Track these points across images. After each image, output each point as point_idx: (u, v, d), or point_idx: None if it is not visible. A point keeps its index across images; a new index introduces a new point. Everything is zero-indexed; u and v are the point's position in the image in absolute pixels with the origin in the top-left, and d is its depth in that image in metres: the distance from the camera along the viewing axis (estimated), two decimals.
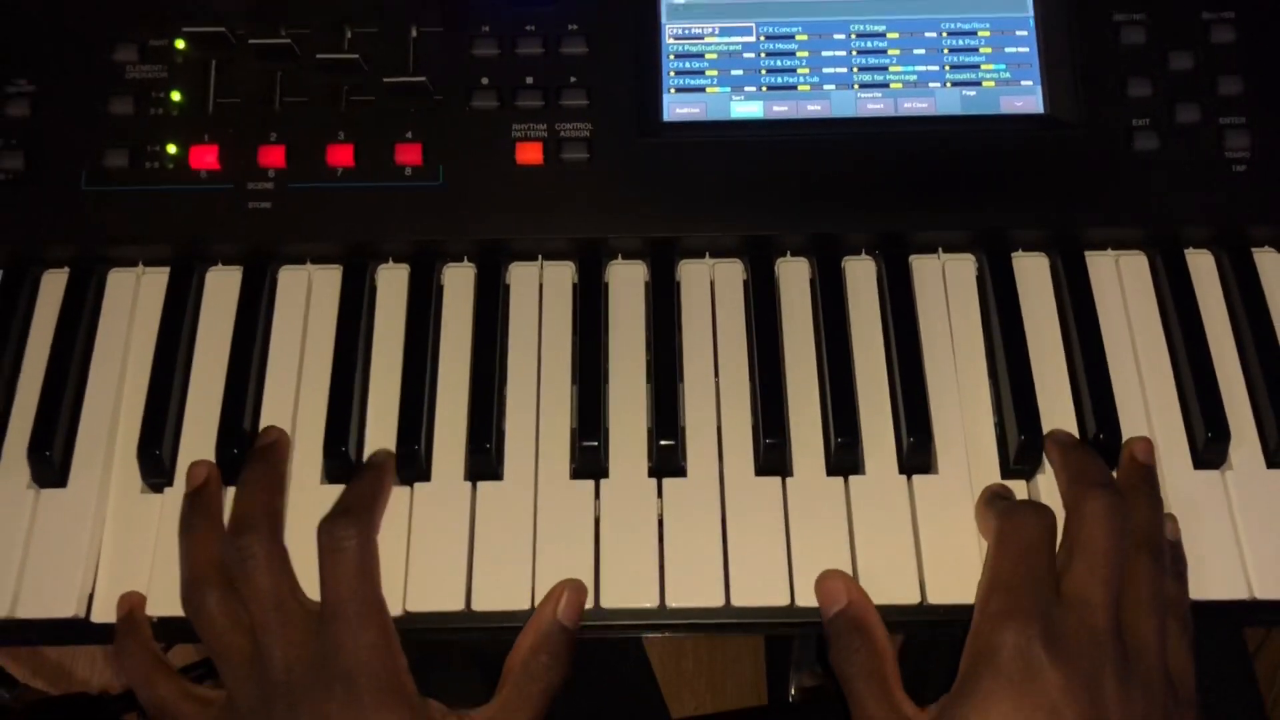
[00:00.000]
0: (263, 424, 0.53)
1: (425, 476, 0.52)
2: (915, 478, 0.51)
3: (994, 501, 0.49)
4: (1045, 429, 0.52)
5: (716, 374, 0.54)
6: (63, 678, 1.22)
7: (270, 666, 0.45)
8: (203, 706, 0.48)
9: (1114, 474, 0.51)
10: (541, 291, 0.56)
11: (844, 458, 0.51)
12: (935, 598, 0.49)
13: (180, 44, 0.58)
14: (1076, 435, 0.52)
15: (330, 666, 0.44)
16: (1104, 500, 0.46)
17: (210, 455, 0.52)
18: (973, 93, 0.57)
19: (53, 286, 0.56)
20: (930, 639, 0.64)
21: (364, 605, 0.46)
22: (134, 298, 0.56)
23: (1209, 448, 0.51)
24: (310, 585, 0.48)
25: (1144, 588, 0.46)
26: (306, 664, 0.45)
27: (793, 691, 0.93)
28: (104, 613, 0.50)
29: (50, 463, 0.52)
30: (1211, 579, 0.49)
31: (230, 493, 0.51)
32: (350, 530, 0.47)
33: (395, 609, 0.49)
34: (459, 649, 0.61)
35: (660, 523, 0.51)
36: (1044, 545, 0.46)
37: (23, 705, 1.08)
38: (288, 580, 0.47)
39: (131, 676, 0.48)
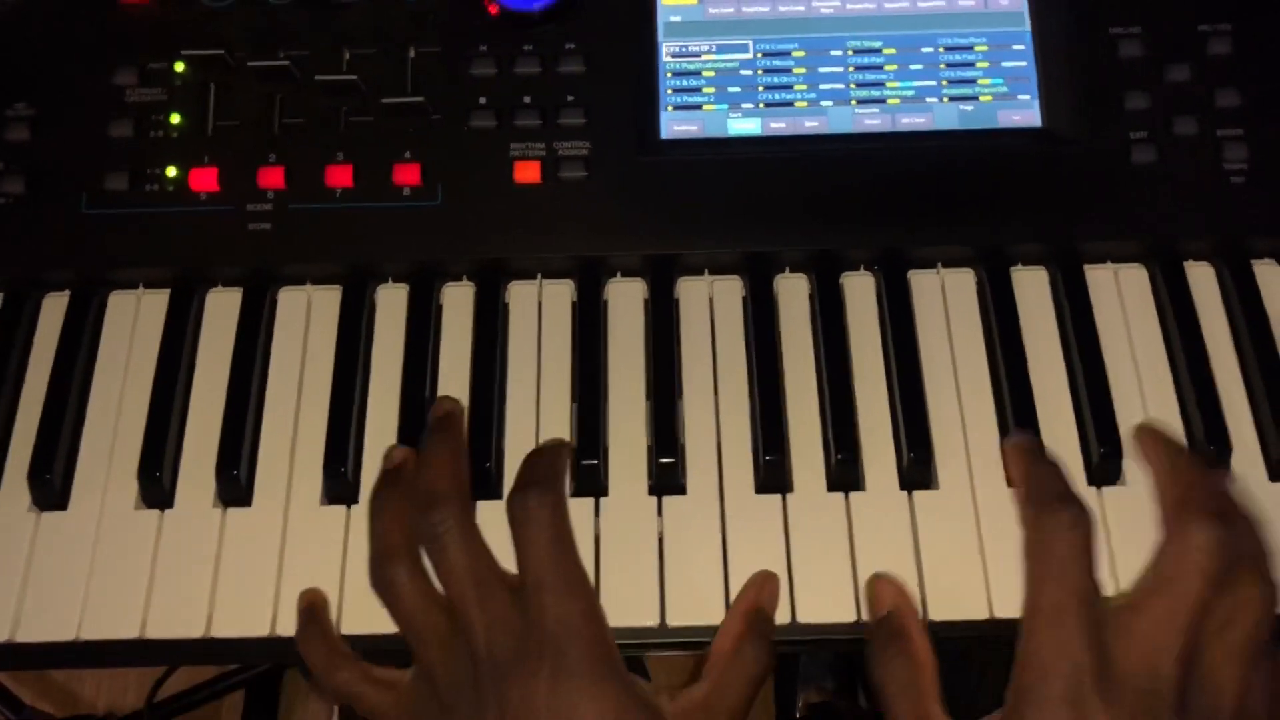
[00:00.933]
0: (262, 446, 0.53)
1: None
2: (916, 493, 0.51)
3: (1027, 486, 0.47)
4: (1046, 443, 0.51)
5: (716, 391, 0.54)
6: (69, 700, 1.22)
7: (473, 643, 0.44)
8: (387, 689, 0.47)
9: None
10: (540, 310, 0.56)
11: (844, 474, 0.51)
12: (937, 614, 0.49)
13: (180, 67, 0.58)
14: (1079, 450, 0.52)
15: (538, 639, 0.43)
16: (1211, 535, 0.42)
17: (210, 478, 0.52)
18: (970, 107, 0.57)
19: (53, 309, 0.56)
20: (960, 655, 0.62)
21: (566, 574, 0.45)
22: (134, 320, 0.56)
23: (1211, 461, 0.51)
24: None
25: (1245, 629, 0.42)
26: (512, 637, 0.44)
27: (800, 708, 0.92)
28: (93, 632, 0.49)
29: (51, 486, 0.52)
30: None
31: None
32: (545, 499, 0.45)
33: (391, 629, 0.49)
34: None
35: (661, 540, 0.51)
36: (1083, 562, 0.43)
37: None
38: (484, 553, 0.46)
39: (314, 665, 0.47)
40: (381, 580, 0.47)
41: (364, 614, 0.49)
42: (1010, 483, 0.51)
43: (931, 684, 0.45)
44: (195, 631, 0.49)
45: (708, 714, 0.46)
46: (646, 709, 0.44)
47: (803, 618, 0.49)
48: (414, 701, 0.46)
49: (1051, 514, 0.44)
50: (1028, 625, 0.43)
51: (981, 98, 0.57)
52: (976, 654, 0.61)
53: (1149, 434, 0.49)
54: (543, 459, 0.49)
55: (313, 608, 0.49)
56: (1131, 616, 0.43)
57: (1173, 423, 0.52)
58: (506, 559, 0.46)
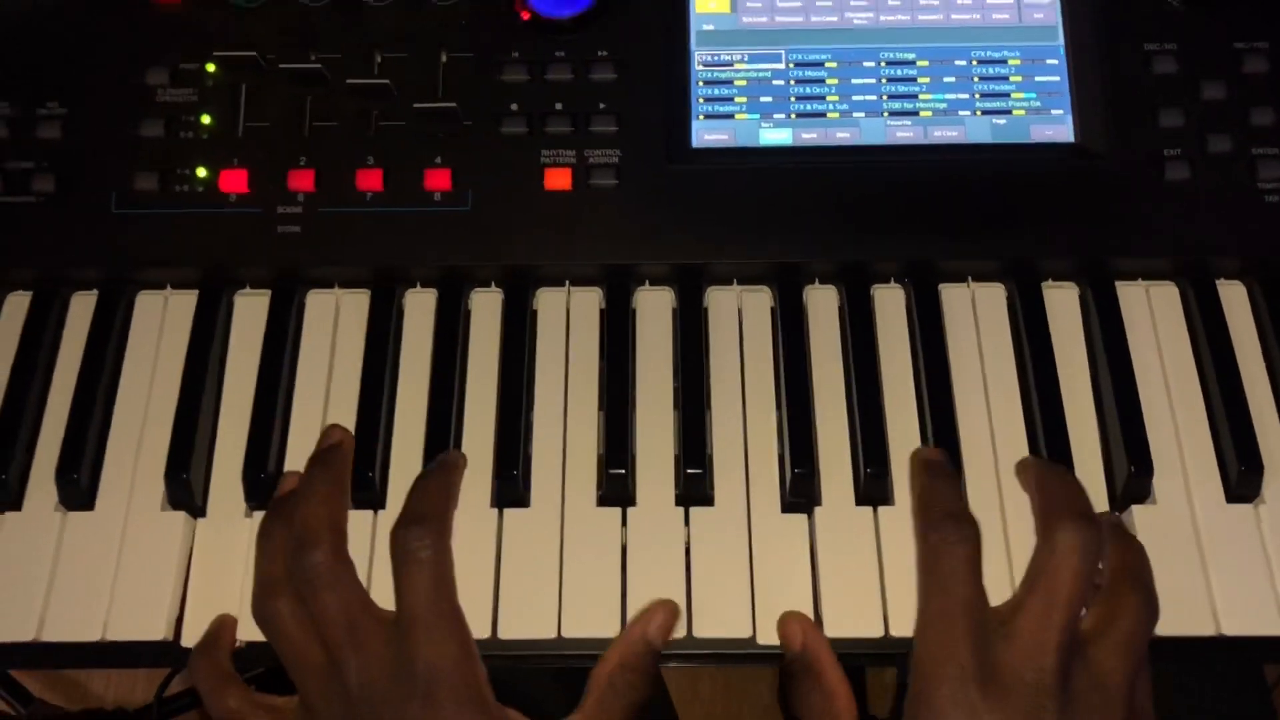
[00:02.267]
0: (290, 449, 0.53)
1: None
2: None
3: (919, 500, 0.49)
4: (1075, 459, 0.51)
5: (744, 402, 0.54)
6: (78, 693, 1.22)
7: (346, 683, 0.44)
8: (273, 716, 0.47)
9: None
10: (569, 317, 0.56)
11: (873, 488, 0.51)
12: None
13: (211, 68, 0.58)
14: (1114, 470, 0.52)
15: (409, 678, 0.44)
16: (1078, 535, 0.45)
17: (237, 479, 0.52)
18: (1003, 121, 0.57)
19: (82, 308, 0.56)
20: None
21: (442, 616, 0.45)
22: (162, 320, 0.56)
23: (1242, 481, 0.51)
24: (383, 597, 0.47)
25: (1129, 630, 0.44)
26: (384, 676, 0.44)
27: None
28: (119, 633, 0.49)
29: (77, 486, 0.52)
30: (1241, 613, 0.49)
31: None
32: (425, 539, 0.45)
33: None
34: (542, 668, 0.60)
35: (688, 551, 0.51)
36: (970, 576, 0.45)
37: None
38: (356, 595, 0.46)
39: (202, 689, 0.48)
40: (262, 613, 0.47)
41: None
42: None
43: (847, 711, 0.46)
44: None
45: None
46: None
47: (830, 632, 0.49)
48: None
49: (939, 530, 0.46)
50: (918, 635, 0.45)
51: (1014, 112, 0.57)
52: None
53: (1023, 464, 0.51)
54: (429, 488, 0.49)
55: (217, 632, 0.49)
56: (1012, 618, 0.44)
57: (1203, 442, 0.52)
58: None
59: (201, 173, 0.56)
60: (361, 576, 0.49)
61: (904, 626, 0.48)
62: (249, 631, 0.49)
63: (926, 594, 0.46)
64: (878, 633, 0.49)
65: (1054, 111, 0.57)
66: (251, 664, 0.49)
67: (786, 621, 0.48)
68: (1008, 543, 0.50)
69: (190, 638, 0.49)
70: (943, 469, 0.50)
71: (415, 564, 0.45)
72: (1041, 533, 0.46)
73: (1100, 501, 0.51)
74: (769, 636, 0.49)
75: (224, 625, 0.49)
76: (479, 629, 0.49)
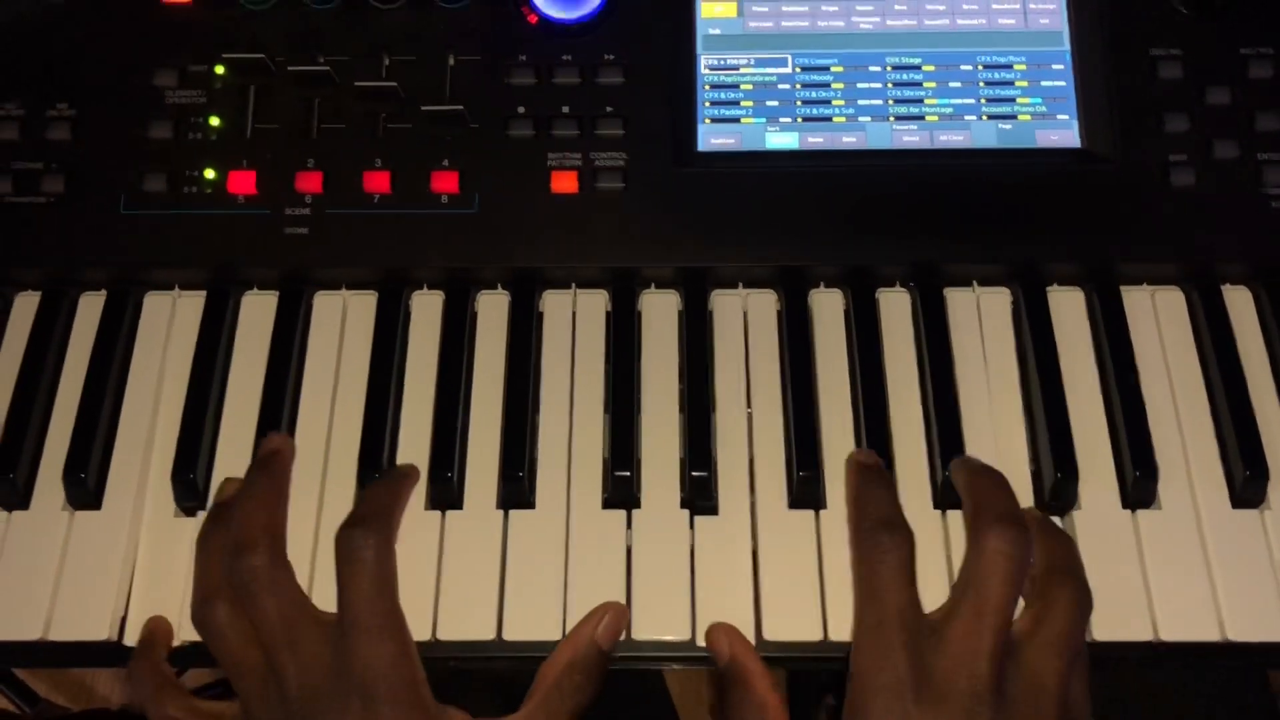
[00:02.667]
0: (298, 450, 0.53)
1: (457, 504, 0.52)
2: (950, 512, 0.51)
3: (854, 509, 0.49)
4: (1080, 465, 0.51)
5: (749, 405, 0.54)
6: (83, 694, 1.22)
7: (285, 685, 0.45)
8: None
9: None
10: (575, 320, 0.56)
11: None
12: None
13: (220, 70, 0.58)
14: (1113, 472, 0.52)
15: (347, 679, 0.44)
16: (1004, 538, 0.45)
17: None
18: (1008, 126, 0.57)
19: (90, 309, 0.57)
20: None
21: (381, 617, 0.45)
22: (170, 321, 0.56)
23: (1247, 486, 0.51)
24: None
25: (1060, 628, 0.45)
26: (322, 678, 0.45)
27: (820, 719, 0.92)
28: (137, 636, 0.50)
29: (85, 485, 0.52)
30: (1246, 619, 0.49)
31: None
32: (367, 540, 0.46)
33: (425, 636, 0.49)
34: (480, 676, 0.61)
35: (692, 554, 0.51)
36: (903, 583, 0.45)
37: None
38: (293, 598, 0.47)
39: (140, 696, 0.48)
40: (201, 619, 0.47)
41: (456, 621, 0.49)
42: (1043, 503, 0.51)
43: (776, 715, 0.47)
44: None
45: None
46: None
47: (835, 636, 0.49)
48: None
49: (872, 537, 0.46)
50: (854, 644, 0.46)
51: (1020, 117, 0.57)
52: None
53: (959, 463, 0.51)
54: (379, 490, 0.50)
55: (150, 636, 0.49)
56: (944, 625, 0.45)
57: (1208, 447, 0.52)
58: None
59: (210, 174, 0.56)
60: None
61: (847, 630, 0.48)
62: (191, 633, 0.49)
63: (861, 603, 0.46)
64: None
65: (1059, 116, 0.57)
66: (195, 665, 0.50)
67: (714, 632, 0.49)
68: None
69: (187, 637, 0.50)
70: (876, 473, 0.50)
71: (358, 564, 0.46)
72: (970, 538, 0.47)
73: (1109, 505, 0.51)
74: (776, 634, 0.49)
75: (159, 628, 0.49)
76: (484, 630, 0.49)
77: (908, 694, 0.43)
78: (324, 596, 0.48)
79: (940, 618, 0.45)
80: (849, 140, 0.57)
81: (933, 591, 0.49)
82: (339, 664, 0.45)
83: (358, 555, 0.46)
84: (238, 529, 0.47)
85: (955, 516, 0.51)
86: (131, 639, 0.50)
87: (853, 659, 0.45)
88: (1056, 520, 0.51)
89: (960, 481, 0.50)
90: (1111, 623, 0.48)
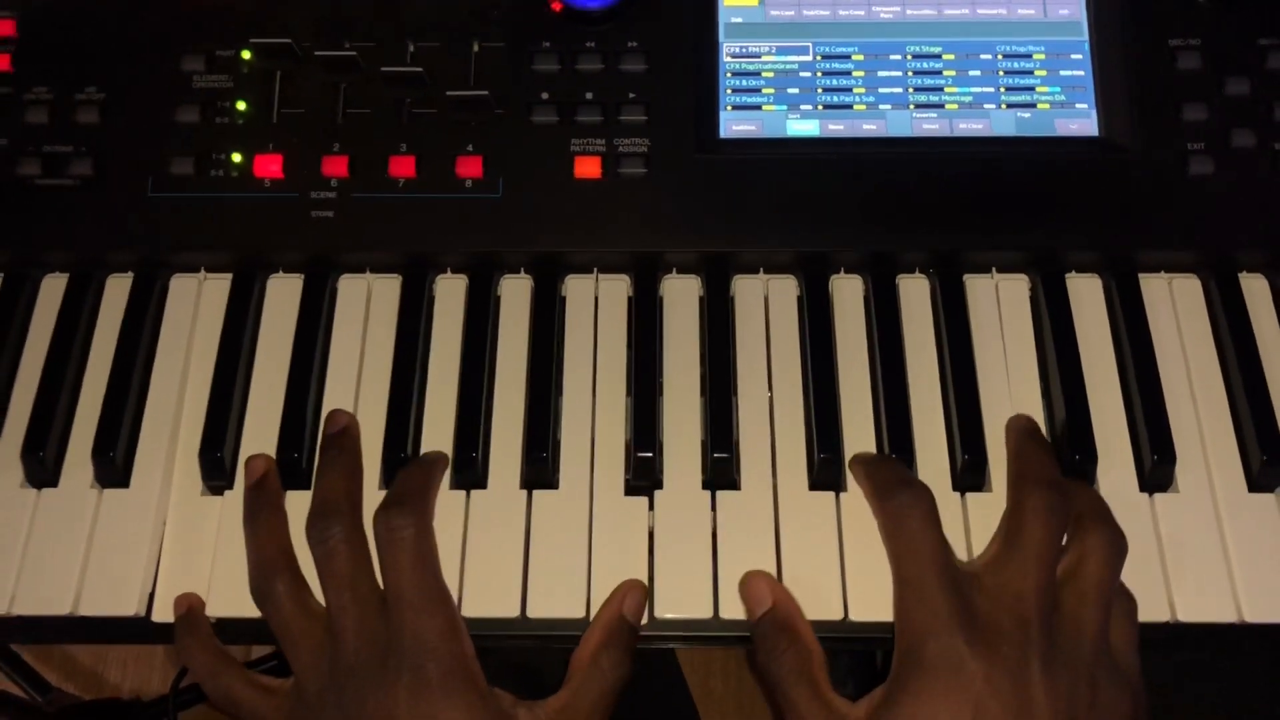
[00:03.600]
0: (322, 433, 0.53)
1: (481, 484, 0.52)
2: (969, 495, 0.51)
3: (869, 483, 0.50)
4: (1099, 450, 0.52)
5: (770, 388, 0.54)
6: (95, 683, 1.22)
7: (341, 650, 0.46)
8: (268, 694, 0.48)
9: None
10: (597, 304, 0.57)
11: None
12: None
13: (246, 54, 0.59)
14: (1131, 456, 0.52)
15: (397, 652, 0.45)
16: (1046, 498, 0.47)
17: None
18: (1027, 115, 0.58)
19: (117, 291, 0.57)
20: None
21: (426, 591, 0.46)
22: (196, 303, 0.57)
23: (1264, 471, 0.51)
24: None
25: (1093, 573, 0.46)
26: (378, 648, 0.45)
27: None
28: (164, 612, 0.50)
29: (113, 464, 0.52)
30: (1264, 601, 0.49)
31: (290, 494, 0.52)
32: (407, 519, 0.47)
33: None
34: (496, 659, 0.62)
35: (714, 535, 0.51)
36: (931, 532, 0.46)
37: (55, 710, 1.08)
38: (366, 566, 0.48)
39: (196, 670, 0.49)
40: (261, 591, 0.48)
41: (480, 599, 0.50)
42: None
43: (821, 669, 0.47)
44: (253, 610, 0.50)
45: None
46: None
47: (855, 616, 0.49)
48: (290, 708, 0.47)
49: (893, 497, 0.48)
50: (896, 601, 0.47)
51: (1039, 105, 0.58)
52: None
53: (1012, 424, 0.52)
54: (412, 473, 0.50)
55: (191, 612, 0.50)
56: (989, 573, 0.46)
57: (1225, 431, 0.53)
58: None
59: (236, 158, 0.57)
60: None
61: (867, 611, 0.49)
62: (217, 608, 0.50)
63: (897, 560, 0.47)
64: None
65: (1079, 106, 0.58)
66: (225, 641, 0.50)
67: (752, 581, 0.49)
68: None
69: (213, 612, 0.50)
70: (880, 455, 0.52)
71: (399, 543, 0.47)
72: (1011, 497, 0.48)
73: (1127, 489, 0.52)
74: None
75: (197, 604, 0.50)
76: (508, 608, 0.50)
77: (958, 634, 0.43)
78: None
79: (981, 564, 0.47)
80: (869, 128, 0.58)
81: None
82: (389, 638, 0.45)
83: (398, 534, 0.47)
84: (322, 496, 0.49)
85: (974, 500, 0.51)
86: (161, 615, 0.50)
87: (897, 617, 0.46)
88: None
89: (1009, 443, 0.51)
90: None
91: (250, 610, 0.49)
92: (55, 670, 1.18)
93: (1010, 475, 0.50)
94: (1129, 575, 0.49)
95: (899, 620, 0.46)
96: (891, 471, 0.50)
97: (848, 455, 0.52)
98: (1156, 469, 0.51)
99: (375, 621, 0.46)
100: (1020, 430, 0.51)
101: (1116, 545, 0.47)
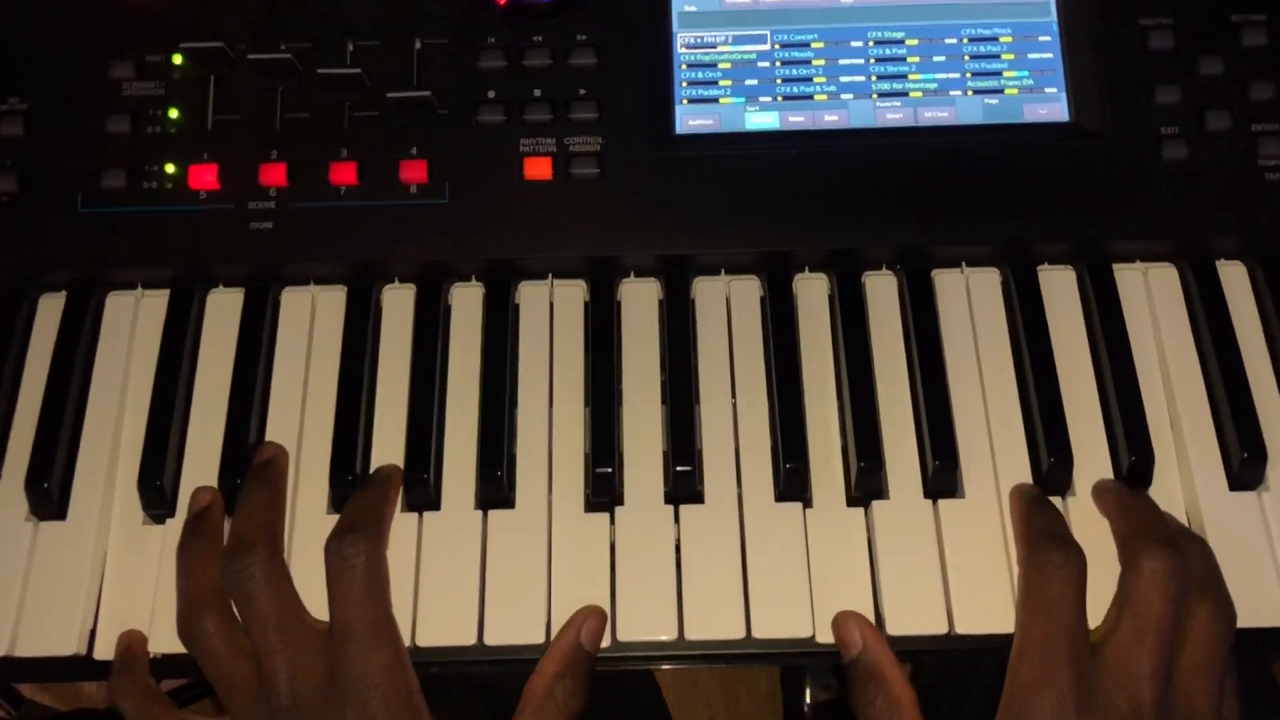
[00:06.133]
0: None
1: (435, 505, 0.50)
2: (941, 502, 0.50)
3: (1025, 526, 0.48)
4: (1075, 449, 0.50)
5: (734, 394, 0.52)
6: (69, 694, 1.21)
7: (276, 691, 0.44)
8: None
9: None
10: (552, 311, 0.54)
11: (867, 482, 0.50)
12: (963, 627, 0.47)
13: (178, 60, 0.56)
14: (1108, 456, 0.50)
15: (341, 688, 0.43)
16: (1165, 561, 0.44)
17: (213, 484, 0.50)
18: (995, 101, 0.56)
19: (50, 311, 0.55)
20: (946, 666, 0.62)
21: (374, 625, 0.45)
22: (133, 321, 0.55)
23: (1245, 468, 0.50)
24: (319, 610, 0.47)
25: (1207, 644, 0.44)
26: (314, 686, 0.44)
27: (807, 708, 0.91)
28: (106, 649, 0.49)
29: (48, 494, 0.50)
30: (1247, 605, 0.47)
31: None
32: (359, 548, 0.45)
33: (404, 642, 0.47)
34: (459, 680, 0.60)
35: (678, 549, 0.49)
36: (1073, 600, 0.44)
37: None
38: (290, 601, 0.46)
39: (126, 710, 0.47)
40: (188, 630, 0.46)
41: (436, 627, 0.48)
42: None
43: (910, 715, 0.45)
44: None
45: None
46: None
47: (822, 634, 0.47)
48: None
49: (1045, 553, 0.45)
50: (1016, 657, 0.44)
51: (1007, 91, 0.56)
52: (985, 671, 0.60)
53: (1101, 488, 0.50)
54: (366, 497, 0.49)
55: (130, 650, 0.48)
56: (1104, 644, 0.44)
57: (1205, 427, 0.51)
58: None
59: (170, 169, 0.54)
60: None
61: (907, 623, 0.47)
62: (161, 644, 0.48)
63: (1029, 617, 0.45)
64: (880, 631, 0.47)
65: (1048, 90, 0.56)
66: (169, 676, 0.49)
67: (844, 623, 0.47)
68: (1006, 537, 0.49)
69: (156, 649, 0.48)
70: (1042, 499, 0.49)
71: (349, 571, 0.45)
72: (1125, 559, 0.46)
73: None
74: (764, 631, 0.47)
75: (136, 641, 0.48)
76: (464, 636, 0.48)
77: (1070, 711, 0.42)
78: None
79: (1099, 637, 0.45)
80: (831, 119, 0.55)
81: (925, 581, 0.48)
82: (332, 672, 0.44)
83: (349, 563, 0.45)
84: (238, 531, 0.47)
85: (945, 506, 0.50)
86: (101, 653, 0.48)
87: (1013, 671, 0.44)
88: (1056, 501, 0.50)
89: (1110, 503, 0.49)
90: None
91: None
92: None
93: (1119, 533, 0.47)
94: (1108, 575, 0.47)
95: (1012, 679, 0.44)
96: (1050, 523, 0.47)
97: (814, 464, 0.50)
98: (1135, 469, 0.50)
99: (309, 655, 0.44)
100: (1113, 487, 0.49)
101: (1228, 617, 0.45)
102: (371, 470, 0.51)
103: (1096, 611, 0.46)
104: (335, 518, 0.49)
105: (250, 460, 0.51)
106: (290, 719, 0.43)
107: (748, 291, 0.55)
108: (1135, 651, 0.43)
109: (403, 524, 0.50)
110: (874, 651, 0.46)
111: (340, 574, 0.45)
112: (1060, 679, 0.42)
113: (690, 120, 0.56)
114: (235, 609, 0.46)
